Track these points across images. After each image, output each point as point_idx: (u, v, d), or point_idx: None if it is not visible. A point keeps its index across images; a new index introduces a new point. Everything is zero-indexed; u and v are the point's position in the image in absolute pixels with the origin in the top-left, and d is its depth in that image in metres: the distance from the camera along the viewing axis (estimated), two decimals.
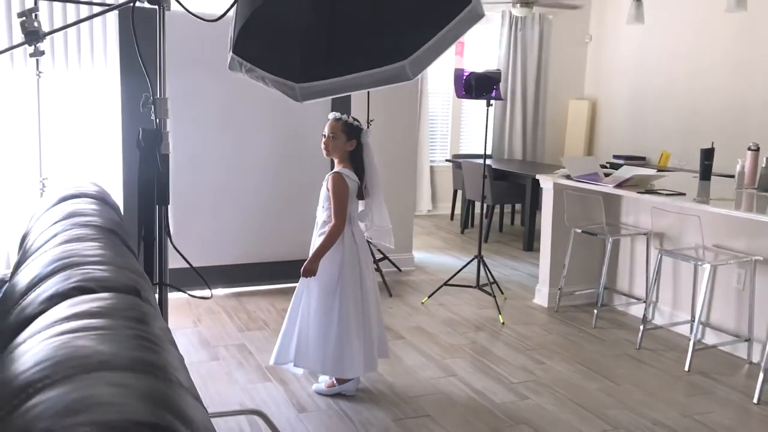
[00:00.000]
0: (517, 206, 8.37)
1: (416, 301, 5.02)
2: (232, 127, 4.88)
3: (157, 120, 2.33)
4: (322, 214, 3.31)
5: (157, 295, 2.42)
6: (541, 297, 5.04)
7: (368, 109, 5.28)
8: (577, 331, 4.50)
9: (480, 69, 4.96)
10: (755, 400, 3.50)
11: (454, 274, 5.15)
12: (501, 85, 8.66)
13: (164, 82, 2.35)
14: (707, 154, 4.89)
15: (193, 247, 4.81)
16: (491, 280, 5.00)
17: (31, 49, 2.37)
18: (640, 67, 8.40)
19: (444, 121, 8.83)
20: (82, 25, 5.08)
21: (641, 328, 4.26)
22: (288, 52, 2.08)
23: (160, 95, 2.33)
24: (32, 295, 1.38)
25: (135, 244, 2.37)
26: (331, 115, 3.27)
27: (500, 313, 4.69)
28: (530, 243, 6.78)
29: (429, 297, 5.04)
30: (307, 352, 3.26)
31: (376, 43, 2.02)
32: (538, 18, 8.73)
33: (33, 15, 2.32)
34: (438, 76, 8.52)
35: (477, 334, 4.39)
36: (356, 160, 3.29)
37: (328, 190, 3.26)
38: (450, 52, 8.52)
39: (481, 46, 8.72)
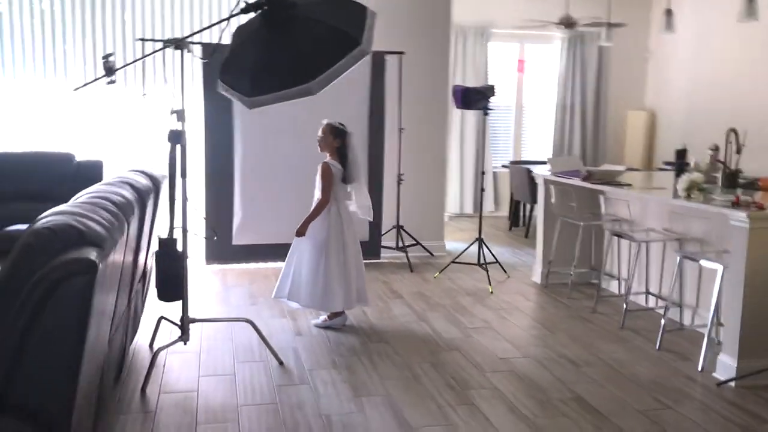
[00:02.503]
0: None
1: (431, 276, 6.09)
2: (289, 132, 6.20)
3: (180, 122, 3.64)
4: (317, 193, 4.53)
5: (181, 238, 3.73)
6: (536, 275, 5.96)
7: (400, 119, 6.45)
8: (552, 300, 5.40)
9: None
10: (657, 347, 4.31)
11: (459, 255, 6.19)
12: (559, 95, 9.59)
13: (183, 99, 3.67)
14: (680, 154, 5.63)
15: (258, 228, 6.20)
16: (486, 260, 5.97)
17: (107, 79, 3.76)
18: (694, 78, 8.95)
19: (506, 131, 9.79)
20: (176, 57, 6.64)
21: (596, 294, 5.12)
22: (244, 76, 3.32)
23: (181, 108, 3.65)
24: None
25: (165, 202, 3.72)
26: (324, 121, 4.49)
27: (490, 284, 5.68)
28: None
29: (440, 272, 6.10)
30: (299, 291, 4.48)
31: (294, 70, 3.22)
32: (596, 36, 9.51)
33: (109, 57, 3.71)
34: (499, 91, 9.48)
35: (464, 298, 5.42)
36: (342, 154, 4.48)
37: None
38: (512, 68, 9.53)
39: (543, 62, 9.63)
